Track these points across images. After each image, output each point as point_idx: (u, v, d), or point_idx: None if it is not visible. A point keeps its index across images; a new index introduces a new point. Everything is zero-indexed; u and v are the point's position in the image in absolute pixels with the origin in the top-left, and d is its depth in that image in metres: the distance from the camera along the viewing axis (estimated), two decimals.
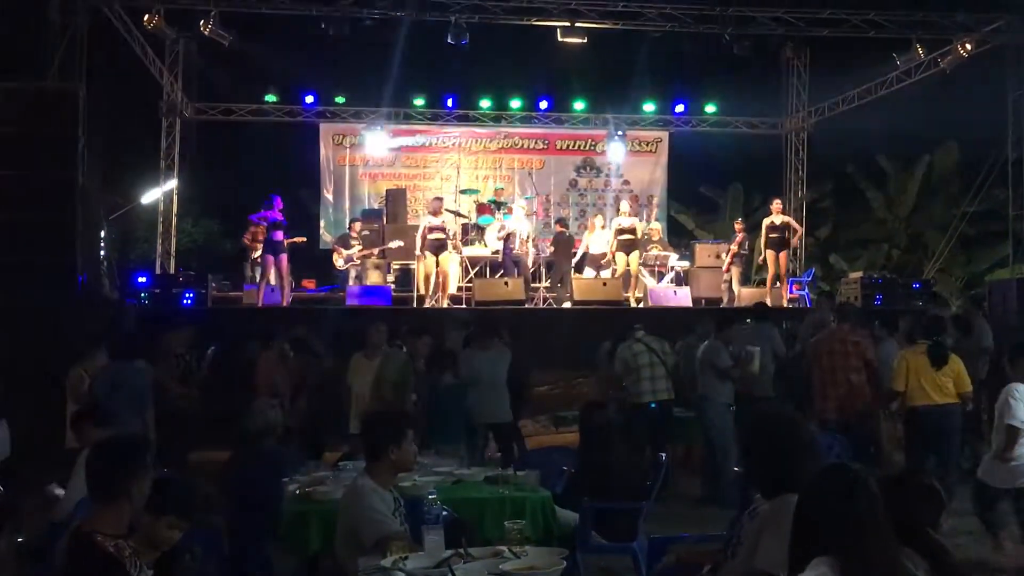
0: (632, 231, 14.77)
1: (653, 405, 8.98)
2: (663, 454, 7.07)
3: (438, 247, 13.72)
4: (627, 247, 14.70)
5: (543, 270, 15.66)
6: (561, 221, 16.00)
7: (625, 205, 15.37)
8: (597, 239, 15.53)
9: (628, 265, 14.70)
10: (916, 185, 22.00)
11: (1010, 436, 5.98)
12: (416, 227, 15.05)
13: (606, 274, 15.38)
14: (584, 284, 14.77)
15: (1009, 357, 6.47)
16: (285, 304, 13.70)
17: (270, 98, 18.89)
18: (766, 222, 15.22)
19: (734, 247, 15.71)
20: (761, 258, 16.40)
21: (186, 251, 19.09)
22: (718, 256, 15.99)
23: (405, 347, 8.88)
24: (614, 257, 14.97)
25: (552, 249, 15.63)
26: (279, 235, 13.49)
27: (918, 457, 7.82)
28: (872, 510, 2.65)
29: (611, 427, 6.24)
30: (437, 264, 13.84)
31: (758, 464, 3.35)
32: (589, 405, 6.69)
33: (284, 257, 13.63)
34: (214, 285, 14.99)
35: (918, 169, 21.95)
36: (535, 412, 11.77)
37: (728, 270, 15.72)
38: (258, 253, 14.56)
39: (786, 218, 15.44)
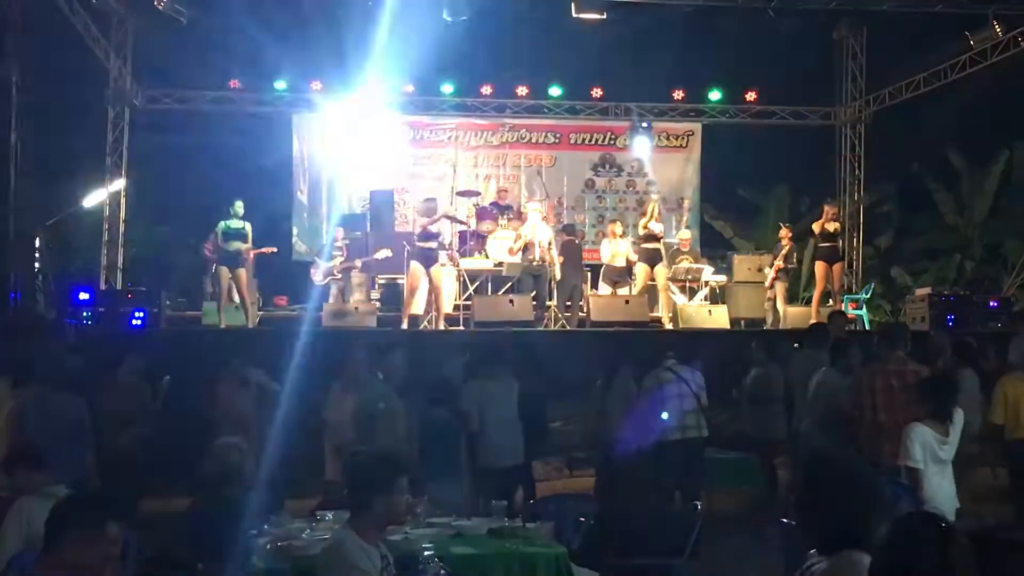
0: (659, 239, 14.76)
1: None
2: (698, 503, 7.05)
3: (429, 258, 13.71)
4: (651, 258, 14.69)
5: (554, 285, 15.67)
6: (567, 227, 15.97)
7: (654, 207, 15.34)
8: (615, 249, 15.53)
9: (652, 279, 14.68)
10: (994, 185, 21.96)
11: (912, 478, 6.52)
12: (405, 234, 15.10)
13: (626, 291, 15.35)
14: (603, 302, 14.77)
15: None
16: (251, 325, 13.74)
17: (235, 84, 18.94)
18: (816, 228, 15.18)
19: (780, 260, 15.65)
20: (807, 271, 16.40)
21: (136, 263, 19.08)
22: (760, 269, 15.99)
23: (378, 370, 8.76)
24: (632, 268, 14.96)
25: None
26: (237, 245, 13.51)
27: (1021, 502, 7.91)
28: (966, 569, 2.63)
29: (636, 470, 6.22)
30: (429, 279, 13.82)
31: (815, 515, 3.33)
32: (610, 444, 6.67)
33: (243, 272, 13.65)
34: (168, 303, 15.00)
35: (996, 167, 21.92)
36: (546, 452, 11.74)
37: (772, 286, 15.71)
38: None
39: (839, 225, 15.40)
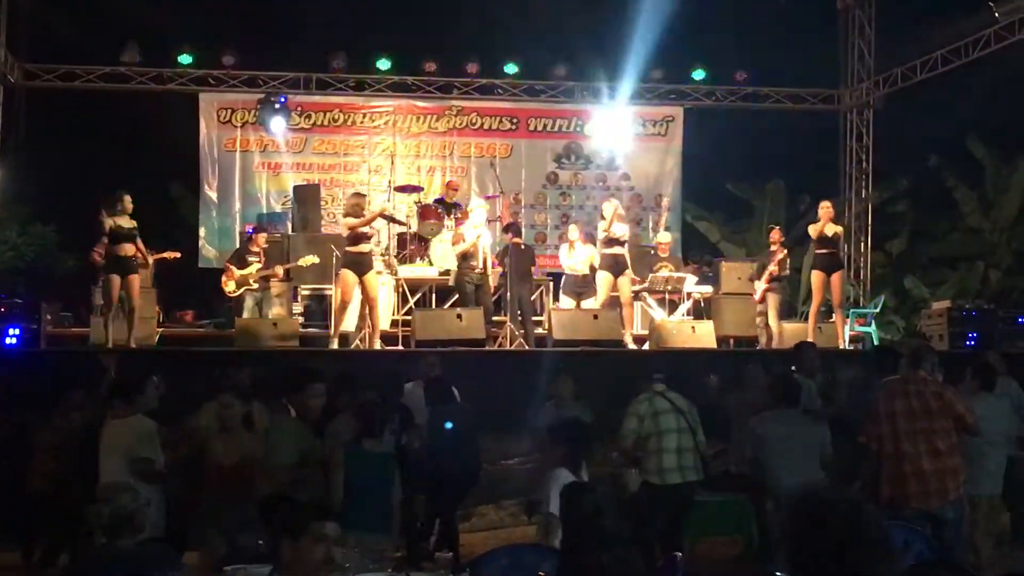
0: (621, 243, 14.75)
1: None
2: (677, 554, 7.06)
3: (362, 265, 13.66)
4: (614, 266, 14.70)
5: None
6: (512, 226, 15.89)
7: (609, 207, 15.19)
8: (576, 255, 15.49)
9: (616, 290, 14.70)
10: (1023, 181, 22.22)
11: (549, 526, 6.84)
12: (334, 237, 15.06)
13: (591, 303, 15.26)
14: (567, 318, 14.75)
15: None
16: (134, 345, 13.47)
17: (129, 57, 18.82)
18: (812, 231, 15.05)
19: (773, 267, 15.58)
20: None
21: (10, 270, 18.89)
22: (751, 280, 15.99)
23: (291, 406, 8.69)
24: (593, 277, 14.97)
25: (500, 268, 15.37)
26: (127, 248, 13.37)
27: None
28: None
29: (606, 517, 6.21)
30: (363, 289, 13.75)
31: (811, 566, 3.35)
32: (574, 486, 6.66)
33: (134, 279, 13.48)
34: (49, 317, 14.84)
35: None
36: (499, 496, 11.72)
37: (763, 299, 15.62)
38: None
39: (839, 228, 15.31)
